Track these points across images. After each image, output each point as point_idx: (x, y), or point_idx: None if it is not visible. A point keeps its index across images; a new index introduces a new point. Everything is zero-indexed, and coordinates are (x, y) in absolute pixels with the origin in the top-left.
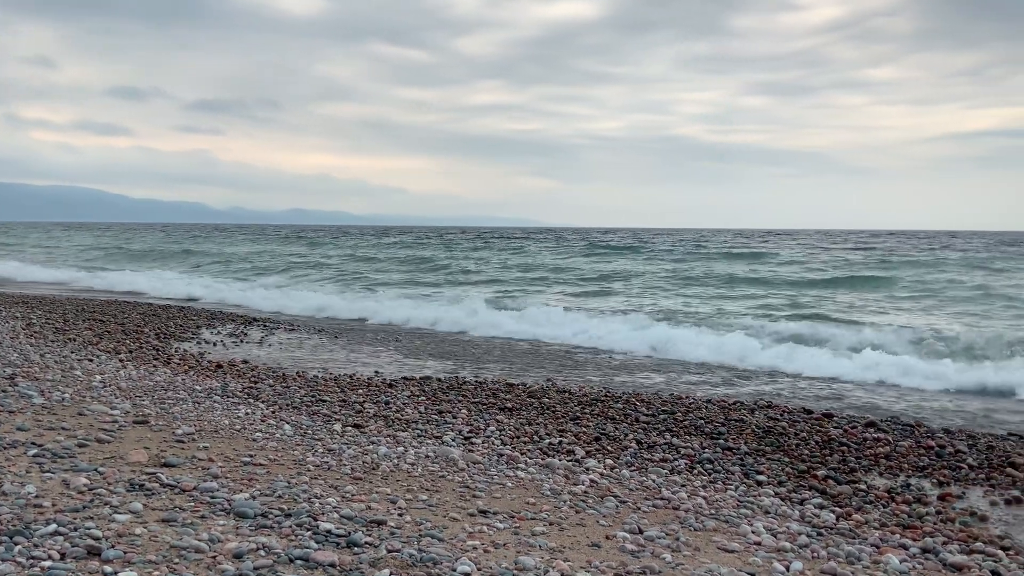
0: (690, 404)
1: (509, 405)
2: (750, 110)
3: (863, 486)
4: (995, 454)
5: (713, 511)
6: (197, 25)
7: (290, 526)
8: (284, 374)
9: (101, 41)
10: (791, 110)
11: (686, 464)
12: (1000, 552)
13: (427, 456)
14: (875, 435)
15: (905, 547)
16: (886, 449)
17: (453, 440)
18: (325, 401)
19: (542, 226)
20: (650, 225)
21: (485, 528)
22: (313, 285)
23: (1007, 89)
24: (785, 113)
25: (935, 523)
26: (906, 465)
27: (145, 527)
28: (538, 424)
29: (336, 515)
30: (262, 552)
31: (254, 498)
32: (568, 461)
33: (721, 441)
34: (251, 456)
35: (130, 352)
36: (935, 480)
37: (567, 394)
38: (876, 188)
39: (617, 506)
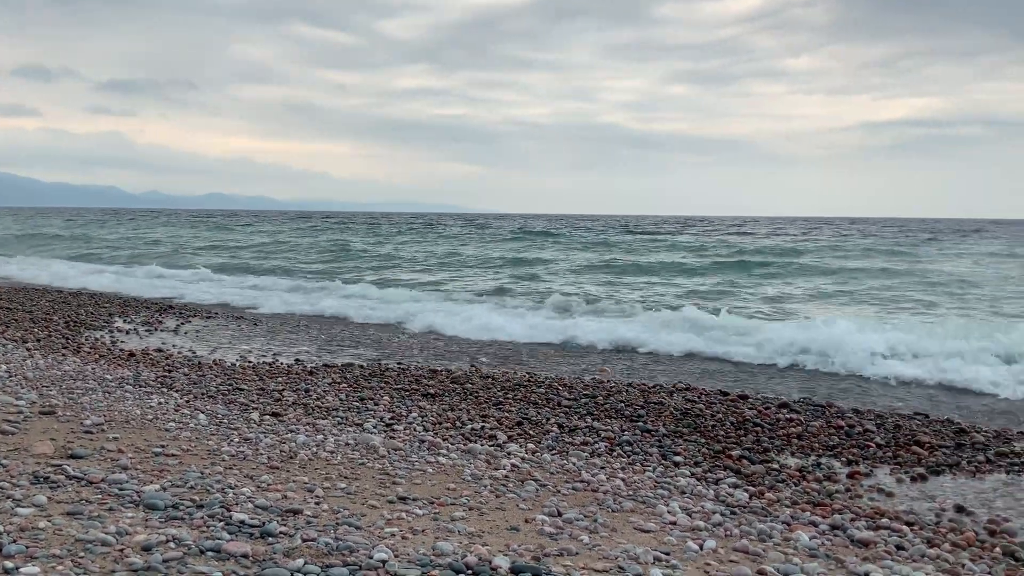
0: (611, 388)
1: (432, 391)
2: (674, 98)
3: (776, 465)
4: (902, 433)
5: (631, 492)
6: (107, 1)
7: (202, 517)
8: (200, 362)
9: (5, 19)
10: (713, 98)
11: (606, 447)
12: (905, 527)
13: (347, 444)
14: (788, 415)
15: (815, 524)
16: (798, 429)
17: (374, 427)
18: (243, 390)
19: (469, 212)
20: (580, 211)
21: (404, 514)
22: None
23: (917, 80)
24: (708, 101)
25: (844, 500)
26: (817, 445)
27: (49, 520)
28: (461, 410)
29: (250, 505)
30: (172, 544)
31: (165, 489)
32: (490, 446)
33: (640, 423)
34: (163, 447)
35: (38, 341)
36: (844, 459)
37: (491, 379)
38: (795, 175)
39: (537, 490)
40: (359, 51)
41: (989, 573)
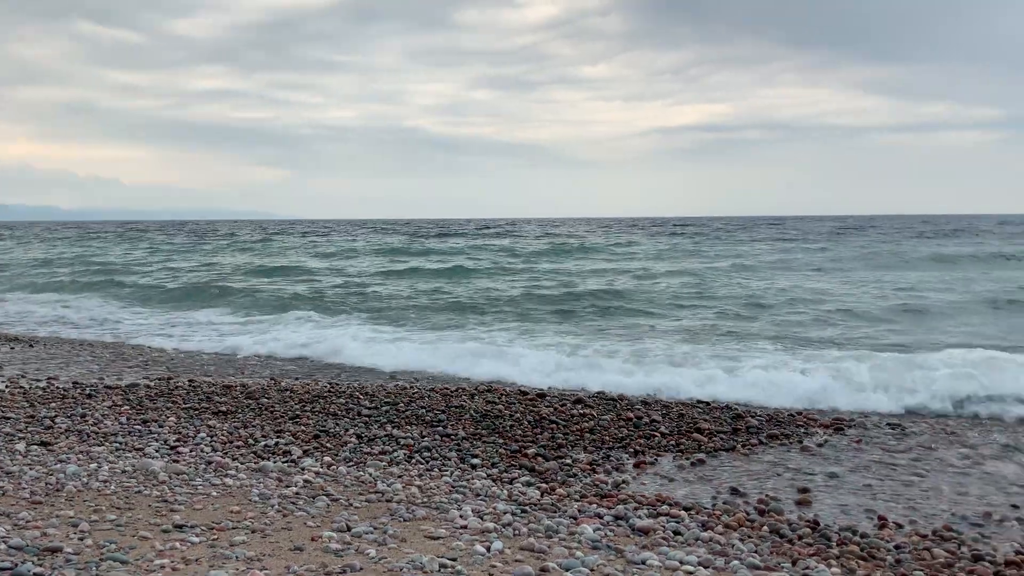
0: (413, 394)
1: (224, 408)
2: (480, 103)
3: (569, 460)
4: (684, 421)
5: (426, 499)
6: None
7: None
8: None
9: None
10: (517, 104)
11: (405, 455)
12: (683, 513)
13: (124, 471)
14: (582, 411)
15: (600, 516)
16: (591, 424)
17: (157, 451)
18: (9, 418)
19: (276, 218)
20: (389, 215)
21: (178, 544)
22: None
23: (705, 87)
24: (511, 107)
25: (629, 490)
26: (608, 437)
27: None
28: (255, 426)
29: (3, 546)
30: None
31: None
32: (283, 462)
33: (440, 428)
34: None
35: None
36: (632, 449)
37: (289, 392)
38: (596, 179)
39: (328, 505)
40: (150, 51)
41: (756, 551)
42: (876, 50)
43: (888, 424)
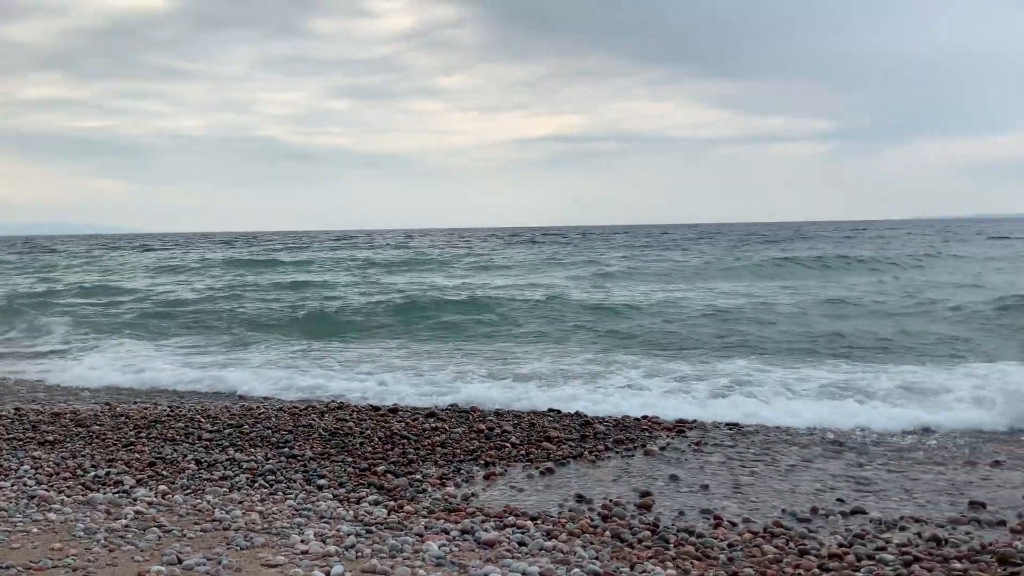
0: (259, 414)
1: (51, 438)
2: (336, 113)
3: (419, 476)
4: (535, 430)
5: (266, 525)
6: None
7: None
8: None
9: None
10: (375, 114)
11: (248, 479)
12: (529, 523)
13: None
14: (434, 424)
15: (447, 531)
16: (443, 437)
17: None
18: None
19: (117, 232)
20: (242, 228)
21: None
22: None
23: (559, 100)
24: (369, 116)
25: (478, 503)
26: (459, 450)
27: None
28: (84, 456)
29: None
30: None
31: None
32: (114, 493)
33: (286, 449)
34: None
35: None
36: (483, 461)
37: (124, 418)
38: (458, 189)
39: (160, 536)
40: None
41: (597, 558)
42: (718, 67)
43: (727, 425)
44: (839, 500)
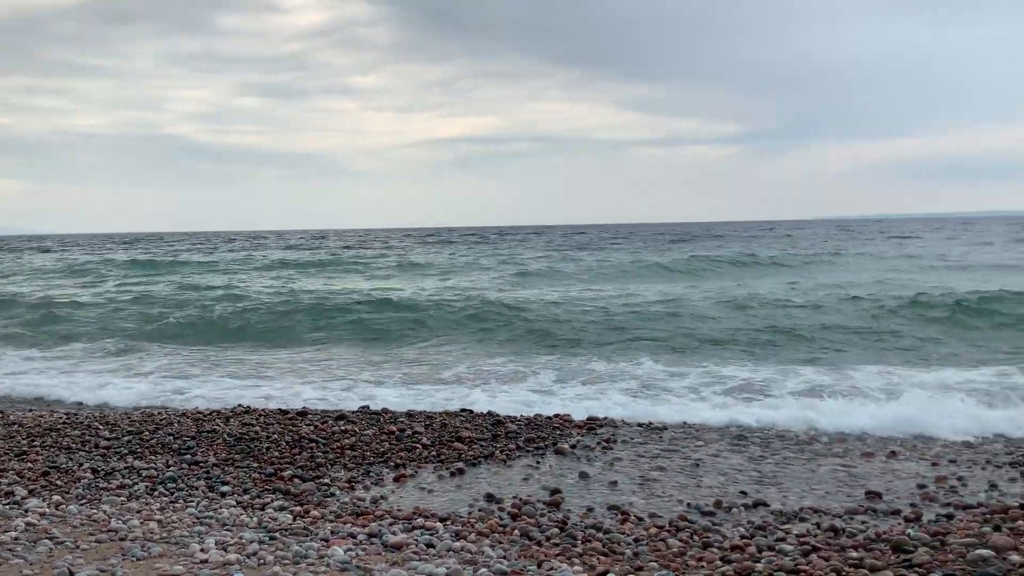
0: (161, 420)
1: None
2: (246, 111)
3: (327, 480)
4: (447, 431)
5: (165, 534)
6: None
7: None
8: None
9: None
10: (287, 112)
11: (147, 487)
12: (438, 524)
13: None
14: (344, 427)
15: (354, 535)
16: (352, 440)
17: None
18: None
19: (13, 233)
20: (152, 229)
21: None
22: None
23: (473, 100)
24: (281, 115)
25: (387, 506)
26: (369, 453)
27: None
28: None
29: None
30: None
31: None
32: (5, 505)
33: (188, 456)
34: None
35: None
36: (393, 463)
37: (17, 426)
38: (371, 189)
39: (51, 549)
40: None
41: (504, 557)
42: (631, 70)
43: (637, 423)
44: (742, 493)
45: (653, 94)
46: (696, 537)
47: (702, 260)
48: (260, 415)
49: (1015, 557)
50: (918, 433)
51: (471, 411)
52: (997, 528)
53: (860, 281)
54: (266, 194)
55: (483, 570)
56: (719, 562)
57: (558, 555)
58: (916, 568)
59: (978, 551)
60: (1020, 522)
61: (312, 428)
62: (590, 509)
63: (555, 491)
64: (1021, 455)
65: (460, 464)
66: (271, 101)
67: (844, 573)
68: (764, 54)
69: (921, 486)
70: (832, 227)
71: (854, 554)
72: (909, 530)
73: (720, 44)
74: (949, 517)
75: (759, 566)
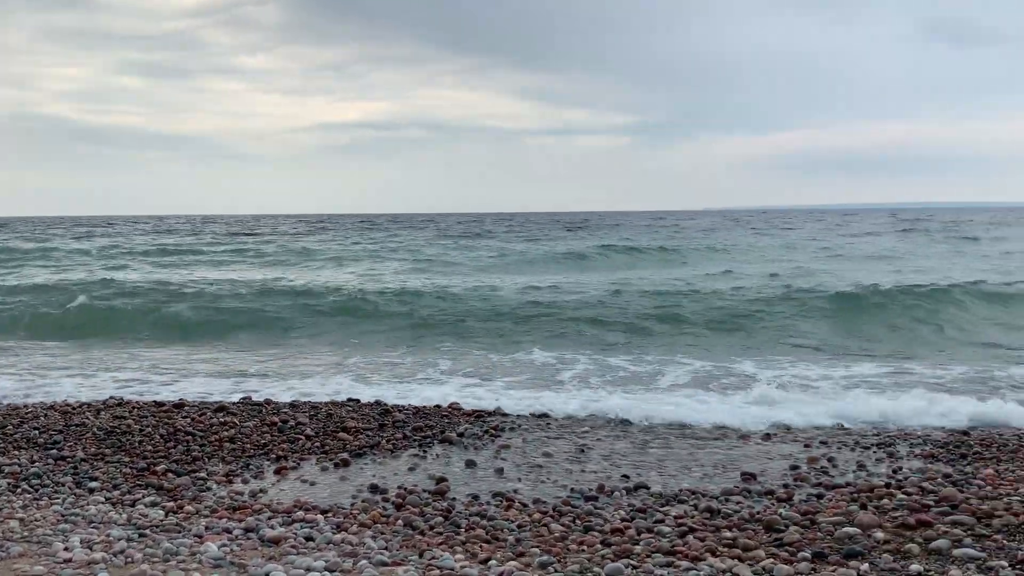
0: (25, 414)
1: None
2: (127, 90)
3: (204, 474)
4: (332, 421)
5: (27, 533)
6: None
7: None
8: None
9: None
10: (170, 92)
11: (9, 484)
12: (319, 517)
13: None
14: (223, 419)
15: (230, 530)
16: (231, 432)
17: None
18: None
19: None
20: (26, 213)
21: None
22: None
23: (367, 85)
24: (164, 95)
25: (266, 499)
26: (249, 445)
27: None
28: None
29: None
30: None
31: None
32: None
33: (55, 451)
34: None
35: None
36: (275, 455)
37: None
38: (262, 173)
39: None
40: None
41: (386, 548)
42: (526, 59)
43: (526, 412)
44: (624, 477)
45: (548, 84)
46: (578, 521)
47: (596, 249)
48: (134, 408)
49: (879, 534)
50: (777, 422)
51: (358, 401)
52: (863, 507)
53: (745, 272)
54: (148, 177)
55: (363, 562)
56: (599, 545)
57: (441, 544)
58: (787, 546)
59: (845, 529)
60: (885, 500)
61: (189, 421)
62: (475, 497)
63: (441, 480)
64: (887, 436)
65: (345, 455)
66: (153, 81)
67: (718, 553)
68: (657, 47)
69: (794, 467)
70: (719, 217)
71: (728, 534)
72: (781, 510)
73: (610, 34)
74: (819, 497)
75: (637, 548)
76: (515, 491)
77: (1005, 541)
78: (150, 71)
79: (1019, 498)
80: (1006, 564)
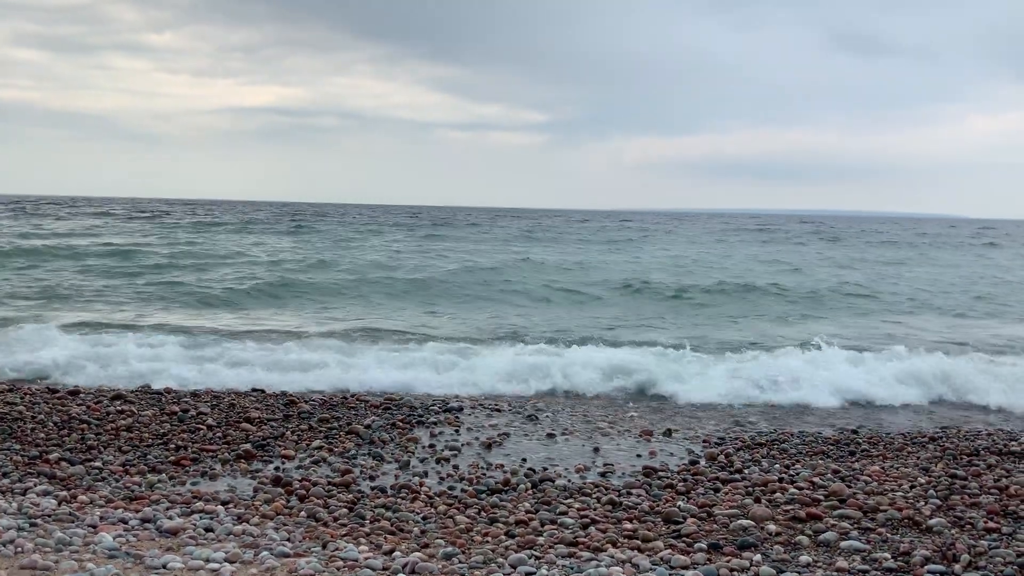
0: None
1: None
2: (22, 63)
3: (99, 463)
4: (235, 411)
5: None
6: None
7: None
8: None
9: None
10: (69, 68)
11: None
12: (220, 508)
13: None
14: (120, 407)
15: (125, 521)
16: (129, 421)
17: None
18: None
19: None
20: None
21: None
22: None
23: (279, 70)
24: (63, 71)
25: (164, 490)
26: (147, 434)
27: None
28: None
29: None
30: None
31: None
32: None
33: None
34: None
35: None
36: (174, 445)
37: None
38: (163, 156)
39: None
40: None
41: (288, 539)
42: (440, 51)
43: (433, 401)
44: (531, 470)
45: (460, 77)
46: (484, 513)
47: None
48: (26, 394)
49: (772, 527)
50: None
51: (263, 391)
52: (757, 500)
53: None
54: (42, 156)
55: (264, 553)
56: (503, 536)
57: (345, 535)
58: (684, 538)
59: (739, 521)
60: (777, 494)
61: (84, 408)
62: (382, 489)
63: (346, 472)
64: (780, 434)
65: (247, 446)
66: (51, 54)
67: (619, 544)
68: (570, 44)
69: (693, 462)
70: (626, 218)
71: (629, 526)
72: (679, 502)
73: (523, 30)
74: (716, 490)
75: (541, 539)
76: (421, 483)
77: (888, 534)
78: (48, 45)
79: (902, 493)
80: (889, 556)
